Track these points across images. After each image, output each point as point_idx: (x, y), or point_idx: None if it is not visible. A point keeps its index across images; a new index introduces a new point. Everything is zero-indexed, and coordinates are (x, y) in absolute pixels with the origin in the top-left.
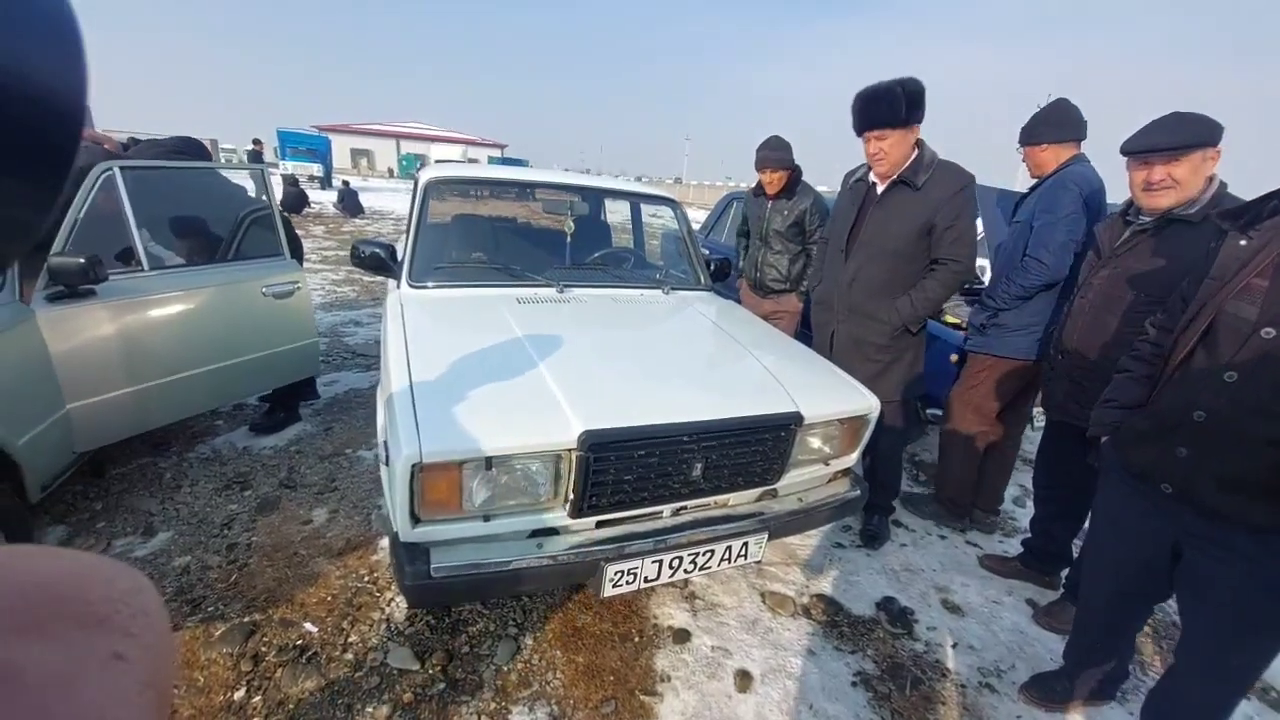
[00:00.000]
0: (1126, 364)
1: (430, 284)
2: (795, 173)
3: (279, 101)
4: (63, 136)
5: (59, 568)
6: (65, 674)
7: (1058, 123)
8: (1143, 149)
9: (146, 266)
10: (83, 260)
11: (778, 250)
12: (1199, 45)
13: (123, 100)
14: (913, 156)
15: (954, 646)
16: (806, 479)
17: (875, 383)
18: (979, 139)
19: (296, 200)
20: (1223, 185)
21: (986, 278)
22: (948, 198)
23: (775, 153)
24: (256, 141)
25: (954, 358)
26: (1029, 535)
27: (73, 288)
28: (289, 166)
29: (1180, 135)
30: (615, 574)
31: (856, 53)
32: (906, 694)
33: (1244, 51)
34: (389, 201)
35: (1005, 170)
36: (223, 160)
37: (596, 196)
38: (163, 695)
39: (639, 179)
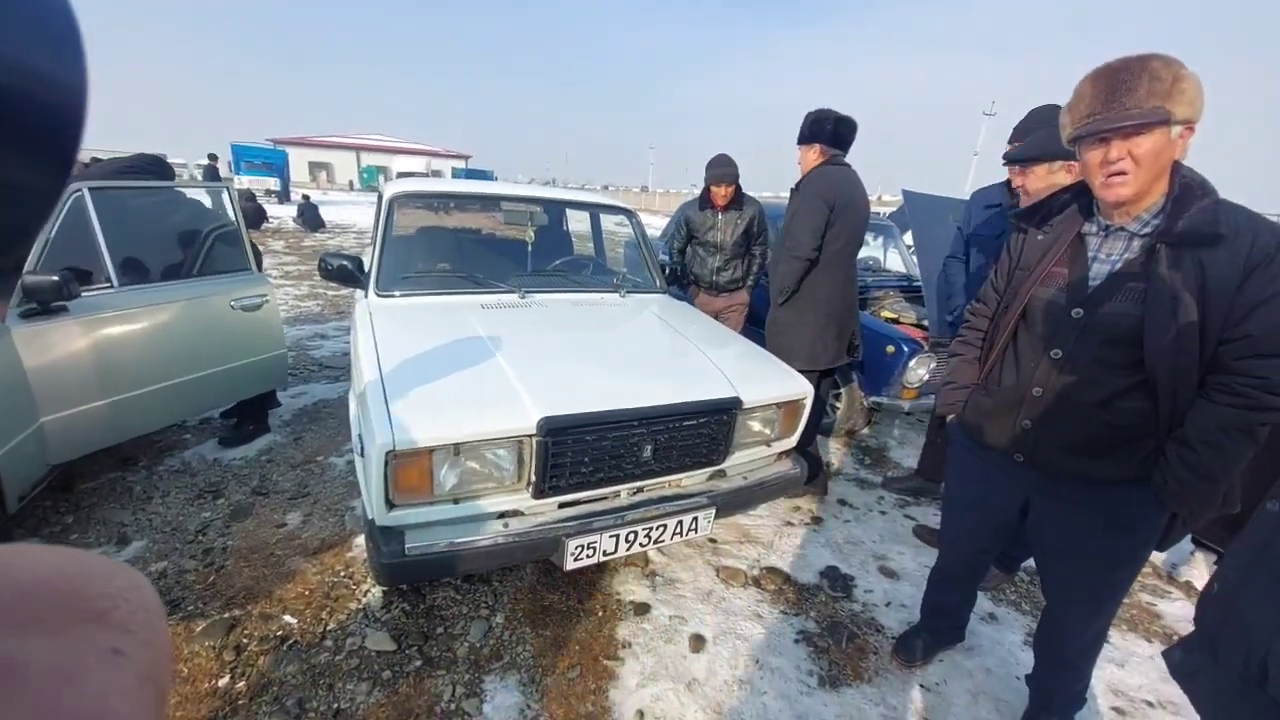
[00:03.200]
0: (958, 349)
1: (397, 293)
2: (739, 186)
3: (232, 115)
4: (63, 138)
5: (57, 564)
6: (65, 669)
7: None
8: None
9: (116, 283)
10: (56, 278)
11: (730, 256)
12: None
13: None
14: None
15: (887, 605)
16: (751, 460)
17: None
18: (931, 147)
19: (254, 215)
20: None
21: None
22: (795, 199)
23: (729, 169)
24: (212, 157)
25: (889, 349)
26: None
27: (45, 305)
28: (244, 181)
29: (1027, 147)
30: (576, 548)
31: (812, 66)
32: (843, 647)
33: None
34: (350, 214)
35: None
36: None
37: (556, 208)
38: (161, 689)
39: (605, 188)
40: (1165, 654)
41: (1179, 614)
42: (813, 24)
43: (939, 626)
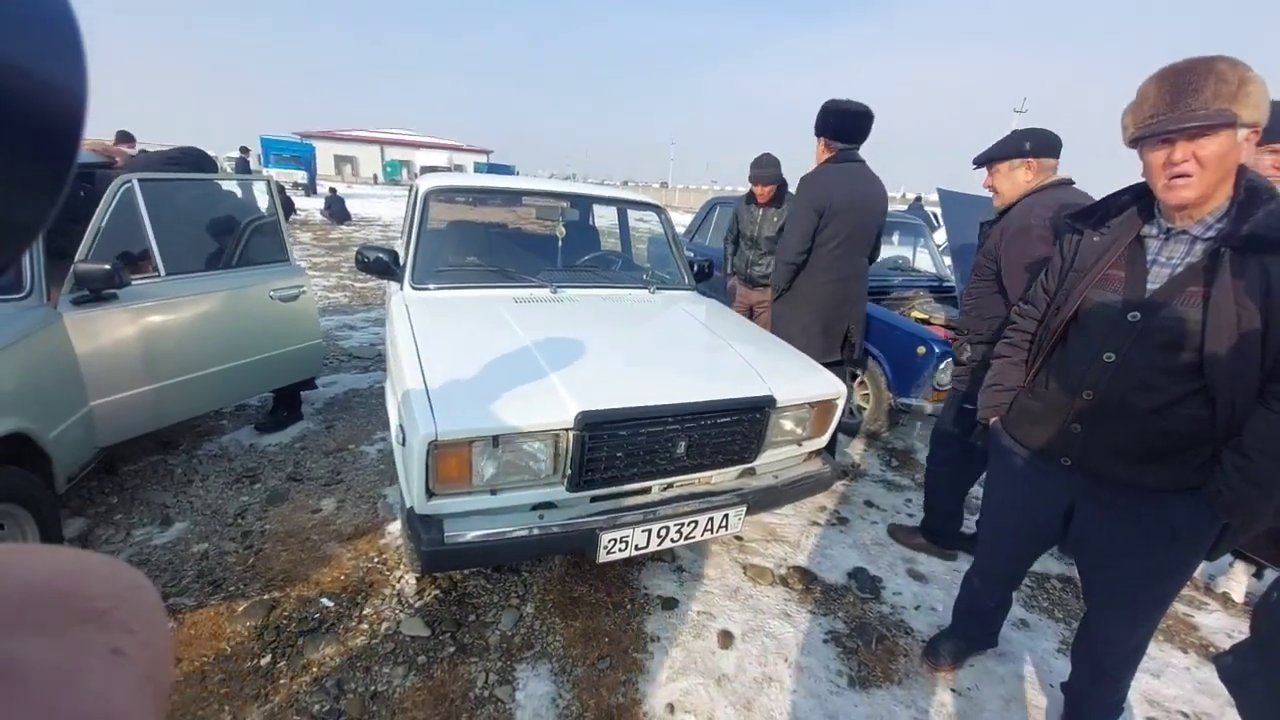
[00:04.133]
0: (1003, 350)
1: (432, 286)
2: (782, 185)
3: (260, 108)
4: (63, 138)
5: (58, 565)
6: (66, 669)
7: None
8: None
9: (163, 272)
10: (108, 266)
11: (766, 251)
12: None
13: (102, 107)
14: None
15: (916, 609)
16: (782, 459)
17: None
18: (953, 143)
19: (283, 208)
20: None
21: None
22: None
23: (769, 170)
24: (243, 149)
25: (920, 350)
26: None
27: (97, 292)
28: (272, 174)
29: (988, 151)
30: (609, 541)
31: (838, 61)
32: (872, 648)
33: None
34: (375, 208)
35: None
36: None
37: (585, 203)
38: (161, 689)
39: (625, 183)
40: (1216, 659)
41: (1216, 625)
42: (842, 17)
43: (971, 631)
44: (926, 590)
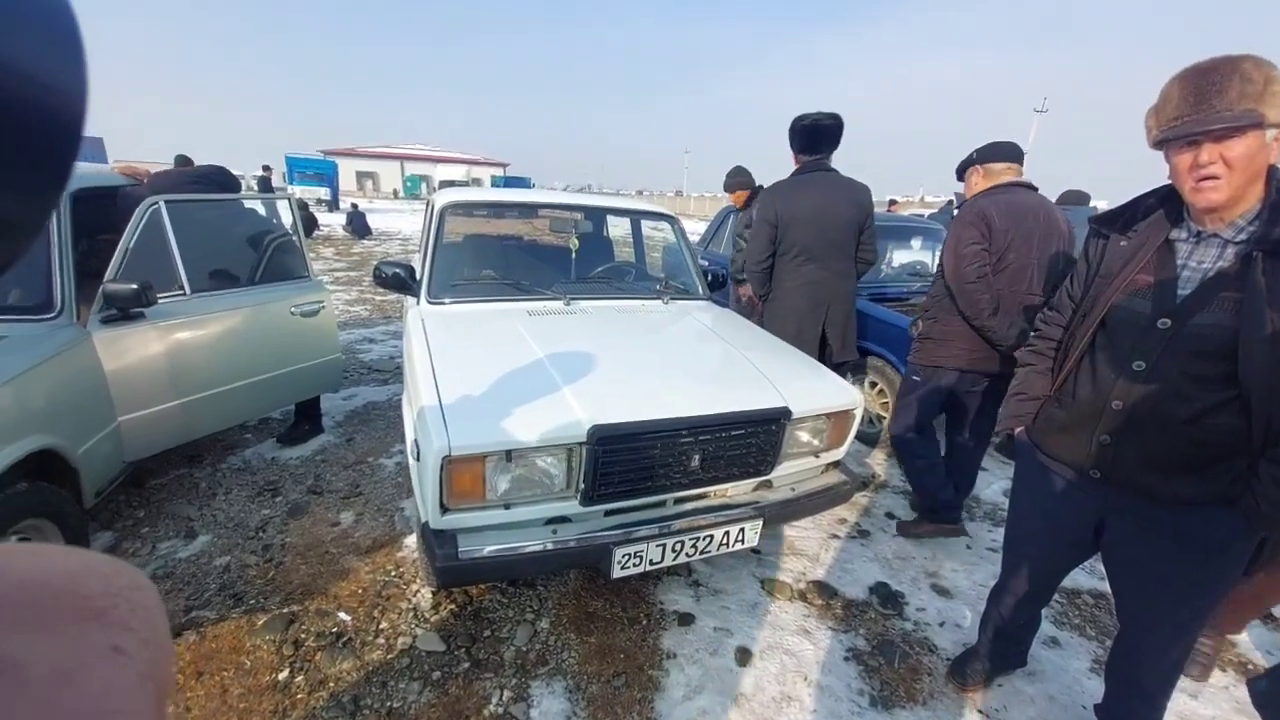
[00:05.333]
0: (1027, 358)
1: (447, 300)
2: (754, 191)
3: (289, 128)
4: (63, 139)
5: (58, 564)
6: (66, 667)
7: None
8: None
9: (189, 290)
10: (135, 286)
11: (740, 249)
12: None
13: (134, 128)
14: None
15: (941, 625)
16: (799, 471)
17: None
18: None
19: (306, 223)
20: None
21: None
22: None
23: (735, 179)
24: (266, 168)
25: None
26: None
27: (124, 311)
28: (297, 191)
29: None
30: (623, 556)
31: (856, 65)
32: (895, 667)
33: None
34: (395, 222)
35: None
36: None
37: (599, 214)
38: (161, 687)
39: (639, 193)
40: (1250, 683)
41: (1254, 643)
42: (858, 22)
43: (999, 649)
44: (951, 606)
